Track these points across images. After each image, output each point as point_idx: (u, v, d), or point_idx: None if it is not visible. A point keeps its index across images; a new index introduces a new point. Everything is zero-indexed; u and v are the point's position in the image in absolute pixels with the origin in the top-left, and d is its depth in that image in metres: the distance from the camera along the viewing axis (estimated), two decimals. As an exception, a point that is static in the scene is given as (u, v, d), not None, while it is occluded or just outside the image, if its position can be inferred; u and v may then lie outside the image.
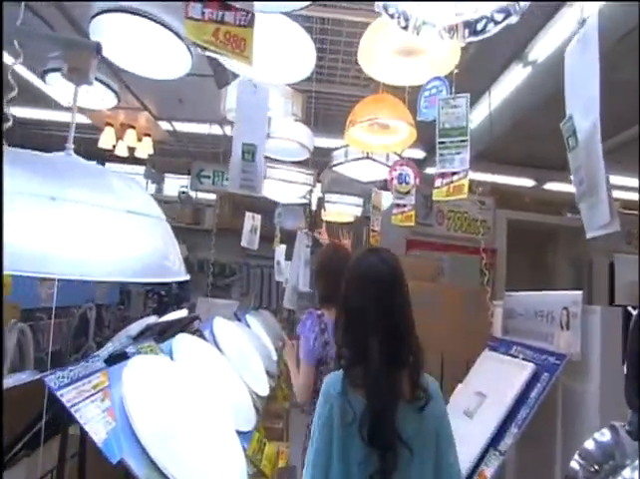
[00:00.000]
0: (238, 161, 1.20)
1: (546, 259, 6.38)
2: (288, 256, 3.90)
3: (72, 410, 0.87)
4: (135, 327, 2.20)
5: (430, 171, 4.60)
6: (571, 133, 0.99)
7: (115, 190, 0.68)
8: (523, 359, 1.75)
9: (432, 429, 1.11)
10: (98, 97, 2.92)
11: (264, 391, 2.22)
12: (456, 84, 1.41)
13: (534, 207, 6.16)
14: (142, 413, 1.01)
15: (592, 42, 0.99)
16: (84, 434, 0.98)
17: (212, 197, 6.80)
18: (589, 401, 1.55)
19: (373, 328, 1.10)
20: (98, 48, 0.87)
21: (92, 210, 0.61)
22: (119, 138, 3.82)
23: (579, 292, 1.58)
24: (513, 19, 0.99)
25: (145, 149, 3.99)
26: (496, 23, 1.04)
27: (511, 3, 1.00)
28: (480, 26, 1.06)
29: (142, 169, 6.02)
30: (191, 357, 1.60)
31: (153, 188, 7.36)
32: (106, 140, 3.67)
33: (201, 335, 2.11)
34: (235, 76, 1.34)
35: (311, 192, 3.30)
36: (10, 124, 0.83)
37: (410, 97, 2.06)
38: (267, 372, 2.51)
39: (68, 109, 3.79)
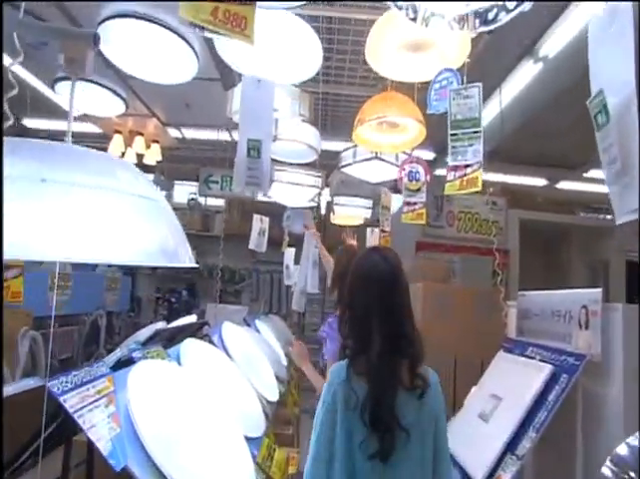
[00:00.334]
0: (244, 158, 1.17)
1: (560, 259, 6.27)
2: (297, 260, 3.87)
3: (75, 416, 0.84)
4: (143, 333, 2.18)
5: (440, 172, 4.54)
6: (601, 109, 0.93)
7: (116, 173, 0.65)
8: (540, 360, 1.70)
9: (431, 418, 1.20)
10: (106, 103, 2.93)
11: (274, 397, 2.19)
12: (464, 81, 1.37)
13: (547, 206, 6.06)
14: (147, 419, 0.99)
15: (624, 11, 0.94)
16: (91, 441, 0.95)
17: (221, 203, 6.82)
18: (611, 404, 1.48)
19: (376, 321, 1.19)
20: (95, 38, 0.85)
21: (93, 192, 0.59)
22: (127, 145, 3.84)
23: (599, 290, 1.52)
24: (527, 6, 0.95)
25: (153, 155, 4.00)
26: (508, 11, 1.00)
27: (523, -11, 0.97)
28: (491, 15, 1.03)
29: (151, 177, 6.05)
30: (199, 362, 1.57)
31: (162, 195, 7.40)
32: (115, 147, 3.69)
33: (210, 341, 2.09)
34: (242, 77, 1.32)
35: (320, 194, 3.27)
36: (10, 122, 0.81)
37: (419, 95, 2.03)
38: (277, 377, 2.47)
39: (79, 119, 3.83)
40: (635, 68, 0.91)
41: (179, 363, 1.54)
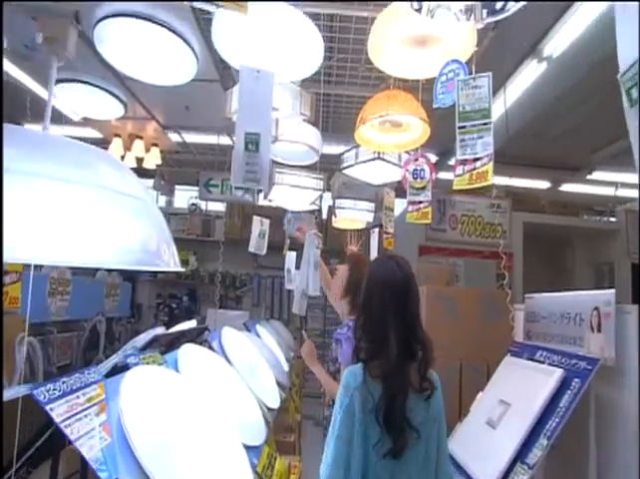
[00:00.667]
0: (241, 152, 1.12)
1: (564, 262, 6.20)
2: (299, 265, 3.82)
3: (62, 426, 0.79)
4: (142, 339, 2.13)
5: (442, 175, 4.50)
6: (636, 82, 0.86)
7: (96, 167, 0.60)
8: (550, 365, 1.64)
9: (435, 418, 1.29)
10: (105, 106, 2.90)
11: (275, 403, 2.13)
12: (473, 72, 1.32)
13: (550, 209, 6.01)
14: (140, 428, 0.93)
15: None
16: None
17: (222, 208, 6.78)
18: (626, 410, 1.43)
19: (391, 326, 1.26)
20: (76, 15, 0.80)
21: (65, 186, 0.54)
22: (127, 149, 3.81)
23: (612, 291, 1.47)
24: (534, -7, 0.91)
25: (153, 159, 3.97)
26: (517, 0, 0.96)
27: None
28: (498, 5, 0.99)
29: (150, 182, 6.02)
30: (197, 368, 1.52)
31: (163, 200, 7.38)
32: (114, 151, 3.65)
33: (209, 346, 2.04)
34: (239, 67, 1.28)
35: (321, 197, 3.22)
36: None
37: (423, 94, 1.99)
38: (278, 384, 2.42)
39: (78, 123, 3.80)
40: None
41: (177, 369, 1.49)
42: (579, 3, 2.99)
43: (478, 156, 1.15)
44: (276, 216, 3.98)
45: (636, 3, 0.94)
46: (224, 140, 4.03)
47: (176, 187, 7.26)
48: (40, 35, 0.83)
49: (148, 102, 3.12)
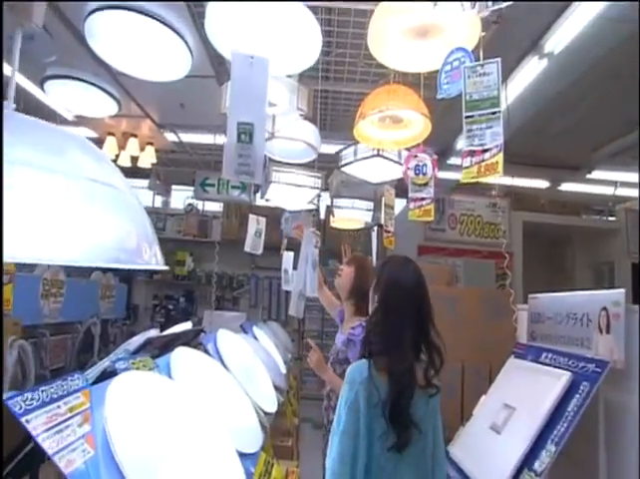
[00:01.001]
0: (233, 143, 1.05)
1: (564, 262, 6.16)
2: (296, 265, 3.76)
3: (39, 439, 0.73)
4: (135, 342, 2.07)
5: (442, 175, 4.44)
6: None
7: (68, 152, 0.54)
8: (557, 367, 1.58)
9: (434, 411, 1.37)
10: (98, 104, 2.84)
11: (272, 408, 2.06)
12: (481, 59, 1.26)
13: (549, 208, 5.97)
14: (126, 439, 0.87)
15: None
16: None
17: (219, 209, 6.72)
18: (636, 415, 1.37)
19: (406, 324, 1.33)
20: None
21: (31, 172, 0.47)
22: (121, 148, 3.74)
23: (621, 290, 1.42)
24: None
25: (148, 158, 3.90)
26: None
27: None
28: (504, -10, 0.93)
29: (146, 182, 5.95)
30: (190, 373, 1.46)
31: (159, 200, 7.31)
32: (108, 150, 3.58)
33: (204, 349, 1.98)
34: (231, 53, 1.21)
35: (319, 196, 3.16)
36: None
37: (424, 90, 1.93)
38: (275, 387, 2.35)
39: (72, 122, 3.73)
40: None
41: (169, 374, 1.43)
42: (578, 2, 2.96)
43: (486, 147, 1.09)
44: (273, 215, 3.92)
45: (636, 3, 0.89)
46: (221, 139, 3.97)
47: (173, 187, 7.19)
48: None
49: (142, 99, 3.06)
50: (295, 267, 2.95)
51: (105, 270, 5.03)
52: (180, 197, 7.24)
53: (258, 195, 3.53)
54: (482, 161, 1.10)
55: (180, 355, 1.56)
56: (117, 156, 3.71)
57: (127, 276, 6.12)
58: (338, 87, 2.94)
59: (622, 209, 5.77)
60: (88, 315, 4.57)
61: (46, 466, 0.90)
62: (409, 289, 1.38)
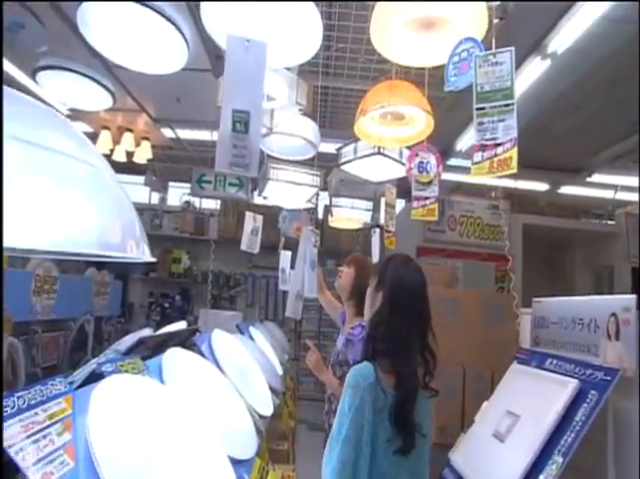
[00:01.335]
0: (228, 133, 0.98)
1: (563, 265, 6.12)
2: (294, 264, 3.70)
3: (10, 451, 0.67)
4: (127, 341, 2.01)
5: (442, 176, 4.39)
6: None
7: (36, 120, 0.47)
8: (563, 374, 1.53)
9: (430, 414, 1.38)
10: (92, 96, 2.76)
11: (268, 411, 2.01)
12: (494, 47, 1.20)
13: (549, 211, 5.92)
14: (110, 449, 0.81)
15: None
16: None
17: (217, 206, 6.65)
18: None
19: (412, 324, 1.32)
20: None
21: None
22: (116, 142, 3.67)
23: (632, 296, 1.36)
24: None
25: (143, 153, 3.83)
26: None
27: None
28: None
29: (142, 178, 5.88)
30: (183, 376, 1.40)
31: (156, 197, 7.23)
32: (102, 144, 3.51)
33: (199, 350, 1.91)
34: (226, 37, 1.15)
35: (318, 195, 3.10)
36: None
37: (427, 86, 1.87)
38: (271, 389, 2.29)
39: (67, 117, 3.65)
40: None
41: (161, 376, 1.36)
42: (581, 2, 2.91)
43: (499, 141, 1.03)
44: (271, 214, 3.86)
45: (636, 3, 0.85)
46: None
47: (170, 184, 7.12)
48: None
49: (137, 92, 2.99)
50: (293, 267, 2.90)
51: (100, 267, 4.95)
52: (177, 193, 7.18)
53: (256, 193, 3.47)
54: (495, 156, 1.04)
55: (173, 357, 1.50)
56: (111, 150, 3.64)
57: (122, 274, 6.04)
58: (338, 83, 2.87)
59: (622, 213, 5.73)
60: (81, 312, 4.49)
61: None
62: (413, 289, 1.36)
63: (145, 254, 0.56)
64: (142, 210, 6.89)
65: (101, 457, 0.78)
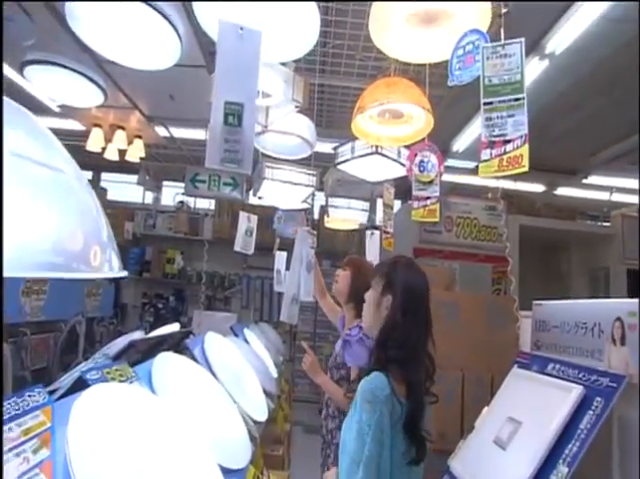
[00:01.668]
0: (219, 126, 0.92)
1: (559, 267, 6.11)
2: (289, 266, 3.65)
3: (-22, 472, 0.61)
4: (117, 344, 1.94)
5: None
6: None
7: None
8: (566, 380, 1.49)
9: (429, 417, 1.39)
10: (82, 93, 2.69)
11: (262, 416, 1.95)
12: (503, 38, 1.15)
13: (545, 212, 5.91)
14: (92, 465, 0.75)
15: None
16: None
17: (211, 206, 6.58)
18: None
19: (422, 330, 1.31)
20: None
21: None
22: (108, 140, 3.59)
23: (637, 300, 1.32)
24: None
25: (136, 151, 3.76)
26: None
27: None
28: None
29: (134, 177, 5.80)
30: (174, 382, 1.34)
31: (150, 196, 7.15)
32: (94, 142, 3.44)
33: (191, 354, 1.86)
34: (218, 24, 1.09)
35: (313, 195, 3.04)
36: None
37: (425, 83, 1.83)
38: (266, 393, 2.24)
39: (58, 114, 3.59)
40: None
41: (151, 383, 1.31)
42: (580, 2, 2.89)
43: (508, 137, 0.98)
44: (266, 214, 3.80)
45: (635, 3, 0.81)
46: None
47: (164, 183, 7.05)
48: None
49: (129, 89, 2.92)
50: (288, 268, 2.84)
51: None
52: (171, 193, 7.10)
53: (251, 192, 3.41)
54: (504, 153, 0.98)
55: (164, 362, 1.44)
56: (103, 149, 3.57)
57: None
58: (335, 81, 2.82)
59: (618, 215, 5.73)
60: (72, 314, 4.40)
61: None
62: (424, 293, 1.34)
63: (113, 269, 0.50)
64: (135, 209, 6.82)
65: (80, 474, 0.73)
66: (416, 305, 1.32)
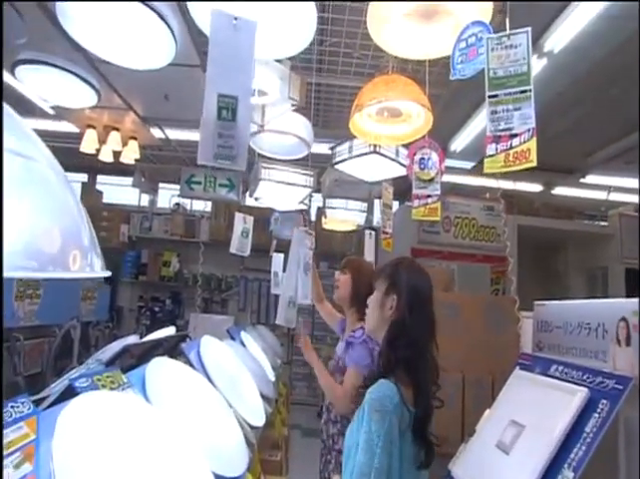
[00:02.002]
0: (212, 121, 0.88)
1: (557, 266, 6.09)
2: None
3: (-46, 490, 0.57)
4: (110, 349, 1.90)
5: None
6: None
7: None
8: (570, 382, 1.45)
9: None
10: (75, 93, 2.65)
11: (259, 421, 1.91)
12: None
13: (543, 212, 5.89)
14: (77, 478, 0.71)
15: None
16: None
17: (207, 208, 6.54)
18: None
19: (429, 334, 1.30)
20: None
21: None
22: (102, 142, 3.55)
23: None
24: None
25: (130, 153, 3.71)
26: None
27: None
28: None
29: (129, 179, 5.75)
30: (167, 389, 1.30)
31: (146, 199, 7.10)
32: (87, 144, 3.40)
33: (187, 359, 1.82)
34: (210, 14, 1.05)
35: (311, 196, 3.01)
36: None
37: (425, 81, 1.80)
38: (263, 397, 2.20)
39: (52, 116, 3.54)
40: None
41: (144, 390, 1.27)
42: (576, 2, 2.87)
43: (514, 131, 0.95)
44: (262, 215, 3.77)
45: (636, 3, 0.78)
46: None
47: (160, 185, 7.00)
48: None
49: (123, 89, 2.88)
50: (285, 270, 2.80)
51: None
52: (167, 195, 7.06)
53: (247, 194, 3.37)
54: (511, 148, 0.95)
55: (158, 368, 1.40)
56: (97, 150, 3.53)
57: (111, 277, 5.89)
58: (332, 80, 2.79)
59: (616, 214, 5.72)
60: (67, 318, 4.35)
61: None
62: (428, 293, 1.33)
63: (96, 269, 0.46)
64: (131, 212, 6.77)
65: (66, 491, 0.69)
66: (421, 305, 1.30)
